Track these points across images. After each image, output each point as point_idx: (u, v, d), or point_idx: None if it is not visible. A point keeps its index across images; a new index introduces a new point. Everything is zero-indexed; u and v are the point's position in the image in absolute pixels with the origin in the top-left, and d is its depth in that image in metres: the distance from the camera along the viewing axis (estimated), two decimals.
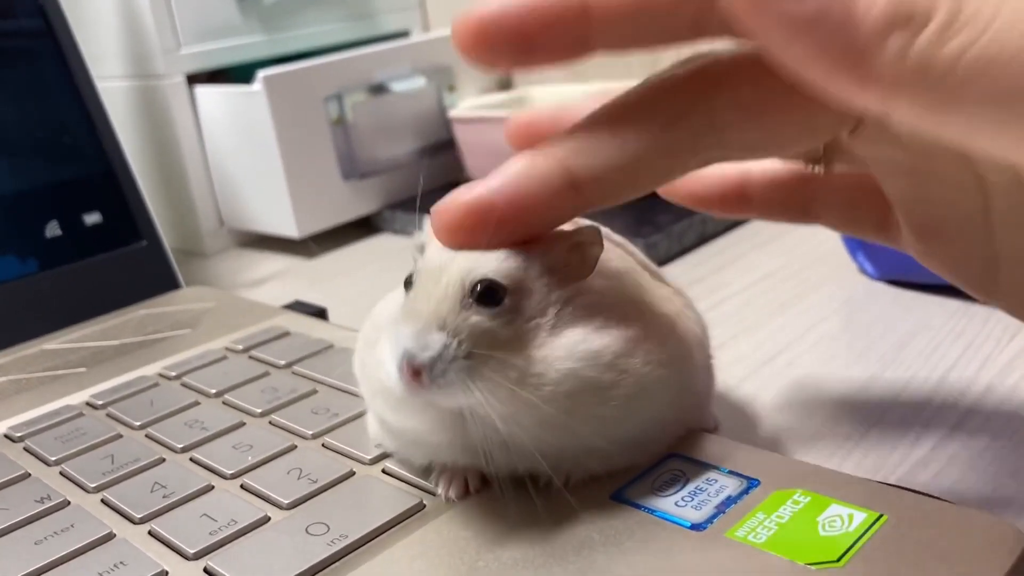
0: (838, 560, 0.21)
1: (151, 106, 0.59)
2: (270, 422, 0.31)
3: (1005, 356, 0.35)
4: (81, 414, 0.33)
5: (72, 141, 0.45)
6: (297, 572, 0.22)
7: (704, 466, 0.25)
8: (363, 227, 0.62)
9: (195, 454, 0.29)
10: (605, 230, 0.29)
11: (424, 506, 0.25)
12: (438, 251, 0.23)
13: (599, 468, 0.25)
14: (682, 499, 0.24)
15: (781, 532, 0.22)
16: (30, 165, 0.44)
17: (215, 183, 0.60)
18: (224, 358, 0.36)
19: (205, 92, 0.58)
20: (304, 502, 0.25)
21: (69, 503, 0.27)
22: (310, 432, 0.29)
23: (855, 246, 0.44)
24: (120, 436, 0.31)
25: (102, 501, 0.27)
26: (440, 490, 0.25)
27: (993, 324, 0.37)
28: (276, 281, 0.55)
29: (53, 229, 0.43)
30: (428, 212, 0.23)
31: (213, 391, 0.33)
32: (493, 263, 0.22)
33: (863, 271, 0.44)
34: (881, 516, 0.22)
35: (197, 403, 0.33)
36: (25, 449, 0.31)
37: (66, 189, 0.44)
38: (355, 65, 0.60)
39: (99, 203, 0.45)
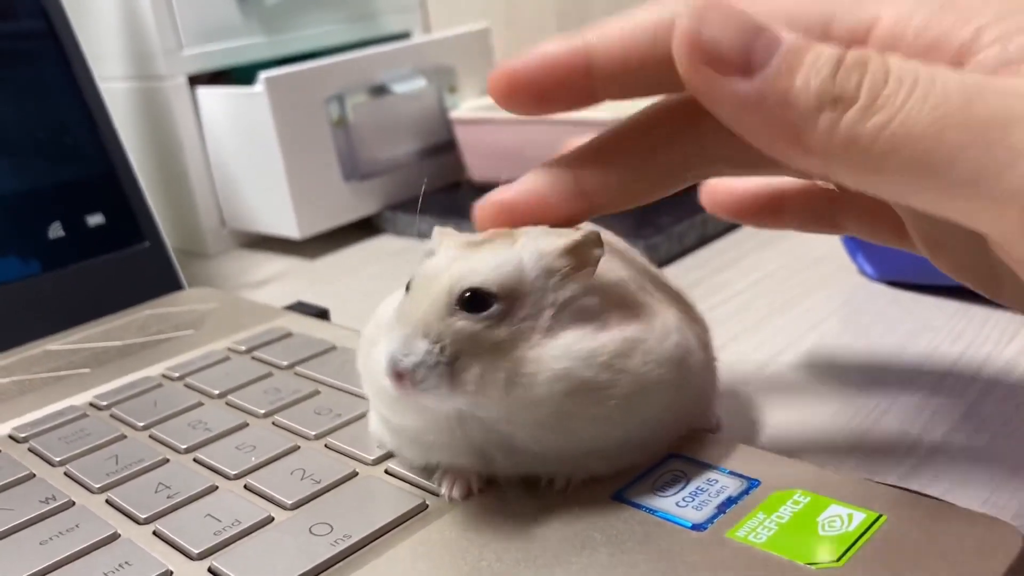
0: (838, 560, 0.21)
1: (153, 107, 0.59)
2: (273, 423, 0.31)
3: (1004, 357, 0.35)
4: (85, 415, 0.33)
5: (74, 142, 0.45)
6: (301, 572, 0.22)
7: (705, 466, 0.25)
8: (364, 228, 0.62)
9: (199, 455, 0.29)
10: (608, 234, 0.29)
11: (427, 506, 0.25)
12: (436, 259, 0.24)
13: (600, 468, 0.25)
14: (683, 499, 0.24)
15: (781, 532, 0.22)
16: (32, 166, 0.44)
17: (217, 184, 0.61)
18: (227, 359, 0.36)
19: (207, 93, 0.59)
20: (307, 502, 0.26)
21: (74, 503, 0.27)
22: (313, 433, 0.29)
23: (855, 247, 0.44)
24: (124, 437, 0.31)
25: (106, 501, 0.27)
26: (443, 490, 0.25)
27: (992, 326, 0.38)
28: (277, 282, 0.55)
29: (56, 230, 0.43)
30: (429, 213, 0.24)
31: (216, 392, 0.33)
32: (484, 273, 0.23)
33: (863, 272, 0.44)
34: (880, 516, 0.22)
35: (200, 404, 0.33)
36: (29, 450, 0.31)
37: (68, 190, 0.45)
38: (356, 66, 0.60)
39: (101, 204, 0.45)
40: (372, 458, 0.27)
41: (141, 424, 0.31)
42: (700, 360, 0.26)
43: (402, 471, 0.27)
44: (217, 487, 0.27)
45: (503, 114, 0.68)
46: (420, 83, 0.64)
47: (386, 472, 0.27)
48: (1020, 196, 0.17)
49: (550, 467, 0.25)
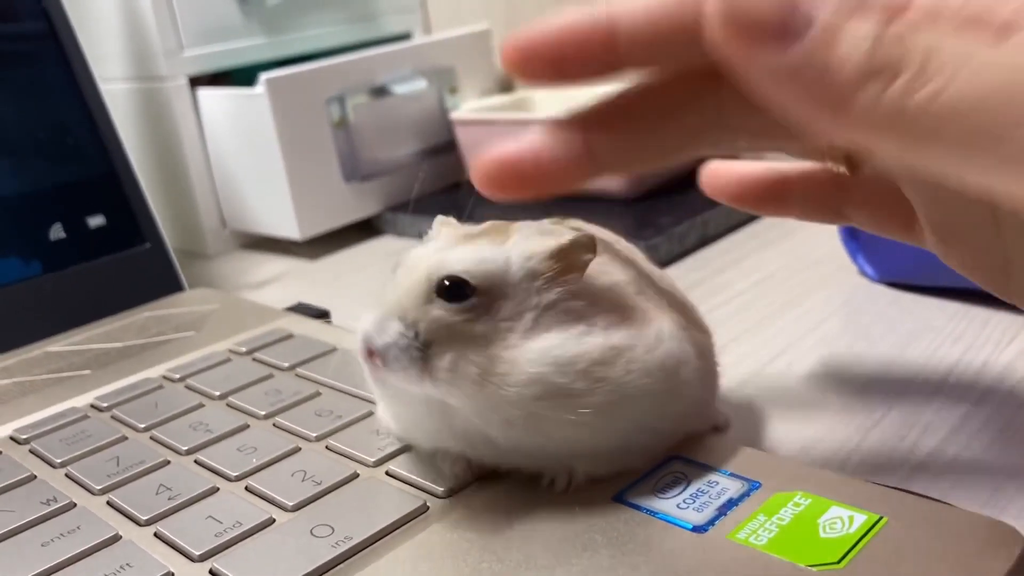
0: (839, 562, 0.21)
1: (154, 108, 0.59)
2: (274, 424, 0.31)
3: (1004, 358, 0.35)
4: (86, 416, 0.33)
5: (75, 143, 0.46)
6: (302, 574, 0.22)
7: (705, 468, 0.25)
8: (365, 229, 0.62)
9: (200, 456, 0.29)
10: (610, 235, 0.29)
11: (428, 508, 0.25)
12: (425, 247, 0.25)
13: (590, 470, 0.25)
14: (684, 501, 0.24)
15: (782, 534, 0.22)
16: (34, 167, 0.44)
17: (217, 185, 0.61)
18: (228, 360, 0.36)
19: (207, 94, 0.59)
20: (308, 504, 0.26)
21: (75, 505, 0.27)
22: (314, 434, 0.29)
23: (855, 248, 0.44)
24: (125, 438, 0.31)
25: (108, 503, 0.27)
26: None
27: (993, 327, 0.38)
28: (278, 283, 0.55)
29: (57, 232, 0.43)
30: (428, 214, 0.24)
31: (217, 393, 0.33)
32: (465, 264, 0.23)
33: (863, 273, 0.44)
34: (881, 518, 0.22)
35: (201, 405, 0.33)
36: (31, 451, 0.31)
37: (69, 191, 0.45)
38: (357, 67, 0.60)
39: (102, 205, 0.45)
40: (373, 460, 0.27)
41: (142, 425, 0.31)
42: (696, 368, 0.26)
43: (403, 473, 0.27)
44: (218, 489, 0.27)
45: (504, 115, 0.68)
46: (421, 84, 0.64)
47: (387, 474, 0.27)
48: None
49: (532, 463, 0.25)
